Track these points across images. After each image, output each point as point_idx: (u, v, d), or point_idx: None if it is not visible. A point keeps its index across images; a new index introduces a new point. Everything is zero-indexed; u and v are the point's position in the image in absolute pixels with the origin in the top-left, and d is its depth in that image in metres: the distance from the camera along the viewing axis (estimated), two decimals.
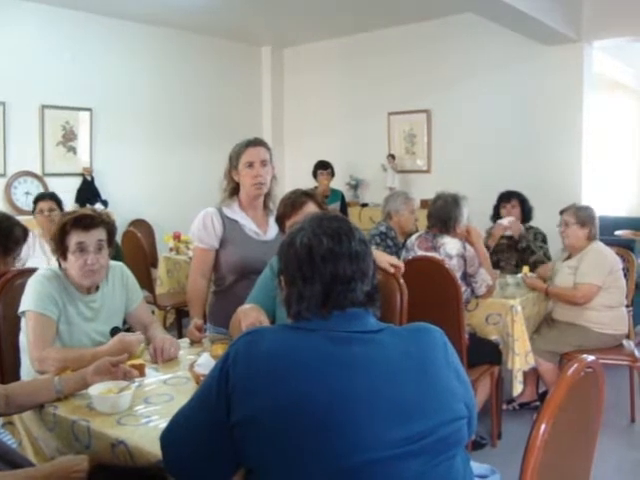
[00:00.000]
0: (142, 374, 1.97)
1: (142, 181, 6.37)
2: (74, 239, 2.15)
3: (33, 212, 4.10)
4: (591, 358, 1.33)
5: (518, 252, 4.20)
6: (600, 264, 3.52)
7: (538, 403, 3.75)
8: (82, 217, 2.19)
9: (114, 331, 2.25)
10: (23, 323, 2.16)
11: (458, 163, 6.20)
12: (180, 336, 2.64)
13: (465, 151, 6.18)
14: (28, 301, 2.13)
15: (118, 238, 4.60)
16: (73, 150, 5.94)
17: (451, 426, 1.23)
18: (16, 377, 2.17)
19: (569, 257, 3.69)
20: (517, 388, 3.39)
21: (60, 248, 2.18)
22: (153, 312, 4.22)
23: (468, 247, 3.35)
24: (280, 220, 2.41)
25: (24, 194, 5.52)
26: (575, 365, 1.28)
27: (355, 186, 6.98)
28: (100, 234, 2.20)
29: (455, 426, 1.24)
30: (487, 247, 4.19)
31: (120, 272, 2.40)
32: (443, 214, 3.45)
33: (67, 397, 1.80)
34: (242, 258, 2.62)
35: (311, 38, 7.14)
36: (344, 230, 1.35)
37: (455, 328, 3.02)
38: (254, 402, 1.18)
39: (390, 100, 6.70)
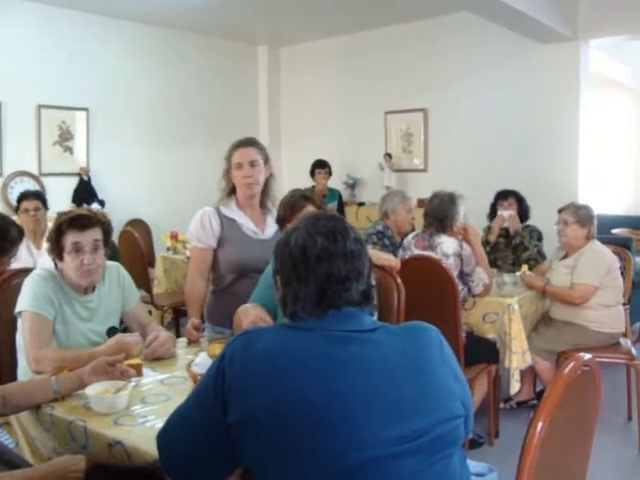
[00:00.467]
0: (139, 374, 1.97)
1: (139, 181, 6.36)
2: (70, 239, 2.15)
3: (17, 210, 3.97)
4: (588, 356, 1.33)
5: (511, 248, 4.22)
6: (597, 264, 3.52)
7: (535, 401, 3.75)
8: (78, 217, 2.19)
9: (111, 331, 2.25)
10: (19, 323, 2.16)
11: (455, 162, 6.21)
12: (178, 336, 2.64)
13: (462, 150, 6.18)
14: (24, 301, 2.13)
15: (115, 238, 4.60)
16: (70, 150, 5.93)
17: (448, 425, 1.23)
18: (13, 377, 2.17)
19: (566, 256, 3.69)
20: (514, 387, 3.39)
21: (56, 248, 2.18)
22: (150, 312, 4.22)
23: (465, 246, 3.35)
24: (281, 223, 2.44)
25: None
26: (572, 363, 1.28)
27: (352, 185, 6.98)
28: (96, 234, 2.20)
29: (452, 425, 1.24)
30: (487, 243, 4.22)
31: (116, 272, 2.40)
32: (439, 213, 3.45)
33: (64, 397, 1.80)
34: (240, 257, 2.63)
35: (308, 37, 7.13)
36: (339, 229, 1.35)
37: (452, 327, 3.02)
38: (251, 401, 1.18)
39: (387, 99, 6.70)
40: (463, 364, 3.05)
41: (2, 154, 5.46)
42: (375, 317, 1.47)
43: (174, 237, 5.28)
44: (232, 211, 2.69)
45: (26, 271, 2.32)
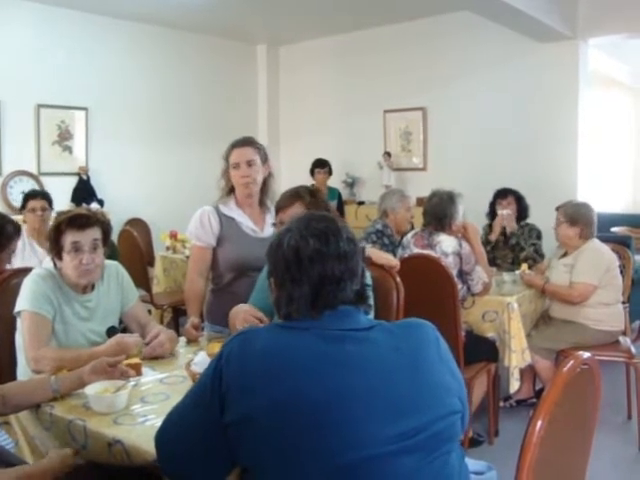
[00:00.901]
0: (139, 373, 1.97)
1: (138, 180, 6.36)
2: (69, 239, 2.14)
3: (22, 209, 3.97)
4: (587, 355, 1.33)
5: (509, 247, 4.23)
6: (597, 263, 3.52)
7: (535, 400, 3.75)
8: (77, 217, 2.18)
9: (110, 331, 2.25)
10: (19, 323, 2.16)
11: (454, 161, 6.21)
12: (177, 335, 2.64)
13: (461, 148, 6.18)
14: (23, 301, 2.13)
15: (114, 237, 4.60)
16: (69, 149, 5.93)
17: (445, 421, 1.23)
18: (12, 377, 2.17)
19: (565, 254, 3.69)
20: (514, 385, 3.39)
21: (55, 248, 2.18)
22: (150, 311, 4.21)
23: (464, 245, 3.35)
24: (276, 213, 2.42)
25: (20, 193, 5.47)
26: (571, 362, 1.28)
27: (351, 184, 6.98)
28: (95, 233, 2.20)
29: (449, 421, 1.24)
30: (488, 242, 4.23)
31: (115, 271, 2.40)
32: (438, 211, 3.45)
33: (63, 397, 1.80)
34: (239, 255, 2.63)
35: (307, 36, 7.13)
36: (332, 230, 1.34)
37: (452, 326, 3.02)
38: (249, 401, 1.18)
39: (386, 98, 6.70)
40: (462, 363, 3.05)
41: (1, 154, 5.47)
42: (371, 316, 1.46)
43: (173, 236, 5.28)
44: (231, 210, 2.70)
45: (25, 271, 2.32)
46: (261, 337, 1.27)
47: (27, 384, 1.89)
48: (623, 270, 3.81)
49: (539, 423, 1.18)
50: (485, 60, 6.01)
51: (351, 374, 1.20)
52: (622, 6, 5.18)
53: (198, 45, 6.91)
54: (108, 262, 2.36)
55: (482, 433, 3.38)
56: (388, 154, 6.52)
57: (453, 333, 2.98)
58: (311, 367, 1.20)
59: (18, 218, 4.11)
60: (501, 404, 3.72)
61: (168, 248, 5.25)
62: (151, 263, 5.28)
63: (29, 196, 4.01)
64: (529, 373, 3.75)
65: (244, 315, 2.07)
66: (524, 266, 3.81)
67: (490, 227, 4.36)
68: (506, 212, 4.23)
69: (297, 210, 2.26)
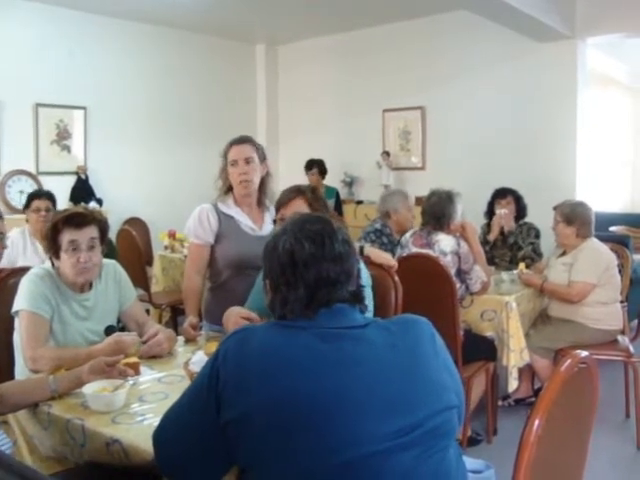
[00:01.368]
0: (137, 372, 1.97)
1: (137, 179, 6.35)
2: (66, 237, 2.14)
3: (25, 208, 3.97)
4: (585, 353, 1.33)
5: (507, 247, 4.23)
6: (595, 262, 3.52)
7: (533, 399, 3.73)
8: (74, 215, 2.18)
9: (108, 330, 2.25)
10: (17, 322, 2.16)
11: (453, 160, 6.21)
12: (176, 334, 2.64)
13: (460, 148, 6.18)
14: (21, 300, 2.13)
15: (113, 237, 4.60)
16: (67, 149, 5.92)
17: (441, 416, 1.23)
18: (10, 376, 2.17)
19: (563, 253, 3.69)
20: (512, 384, 3.40)
21: (52, 247, 2.18)
22: (148, 311, 4.21)
23: (462, 244, 3.35)
24: (277, 209, 2.42)
25: (18, 193, 5.49)
26: (569, 360, 1.28)
27: (350, 183, 6.97)
28: (92, 232, 2.20)
29: (445, 416, 1.24)
30: (487, 242, 4.23)
31: (113, 270, 2.40)
32: (437, 211, 3.45)
33: (61, 396, 1.80)
34: (238, 253, 2.63)
35: (305, 36, 7.13)
36: (327, 232, 1.34)
37: (450, 325, 3.03)
38: (246, 399, 1.18)
39: (385, 97, 6.70)
40: (461, 362, 3.06)
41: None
42: (369, 315, 1.46)
43: (172, 235, 5.28)
44: (230, 208, 2.70)
45: (23, 270, 2.32)
46: (258, 336, 1.27)
47: (25, 383, 1.89)
48: (621, 269, 3.82)
49: (537, 422, 1.18)
50: (484, 59, 6.01)
51: (348, 372, 1.20)
52: (620, 5, 5.18)
53: (197, 45, 6.90)
54: (106, 261, 2.36)
55: (480, 432, 3.38)
56: (387, 153, 6.52)
57: (451, 332, 2.98)
58: (308, 365, 1.20)
59: (20, 217, 4.10)
60: (499, 403, 3.72)
61: (167, 247, 5.25)
62: (150, 262, 5.29)
63: (34, 196, 4.00)
64: (528, 372, 3.75)
65: (235, 319, 2.09)
66: (522, 265, 3.81)
67: (488, 226, 4.37)
68: (503, 211, 4.24)
69: (299, 204, 2.28)
